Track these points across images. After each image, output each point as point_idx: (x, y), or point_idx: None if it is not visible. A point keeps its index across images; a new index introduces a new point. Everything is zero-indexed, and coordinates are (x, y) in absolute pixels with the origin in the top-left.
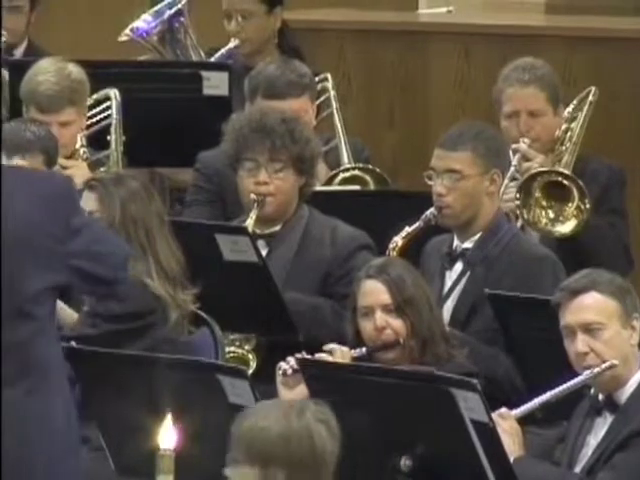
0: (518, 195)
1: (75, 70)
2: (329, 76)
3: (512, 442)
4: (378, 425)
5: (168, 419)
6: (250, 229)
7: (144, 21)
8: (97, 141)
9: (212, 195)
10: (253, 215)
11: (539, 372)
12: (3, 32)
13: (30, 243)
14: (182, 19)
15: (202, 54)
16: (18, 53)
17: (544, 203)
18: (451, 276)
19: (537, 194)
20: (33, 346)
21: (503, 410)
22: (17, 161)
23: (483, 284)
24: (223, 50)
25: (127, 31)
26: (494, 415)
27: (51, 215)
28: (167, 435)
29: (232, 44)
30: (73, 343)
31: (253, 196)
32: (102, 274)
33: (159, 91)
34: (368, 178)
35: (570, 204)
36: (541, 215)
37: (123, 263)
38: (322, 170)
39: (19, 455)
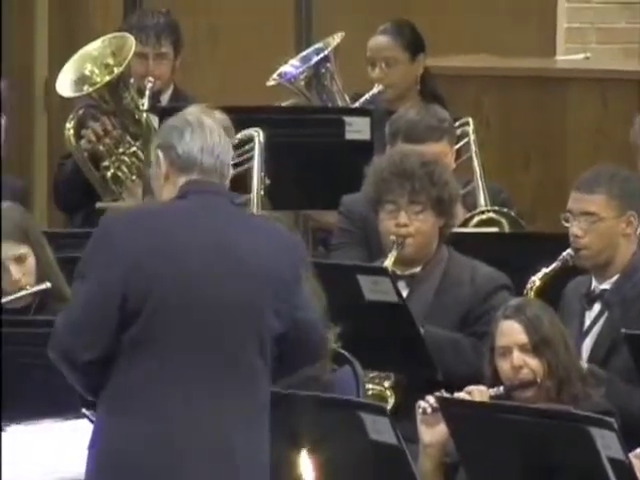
0: None
1: (220, 117)
2: (470, 121)
3: None
4: (516, 462)
5: (309, 456)
6: (389, 269)
7: (292, 66)
8: (238, 183)
9: (356, 237)
10: (392, 256)
11: None
12: (150, 79)
13: (272, 288)
14: (329, 65)
15: (347, 99)
16: (164, 99)
17: None
18: (590, 316)
19: None
20: (265, 385)
21: (639, 451)
22: None
23: (620, 325)
24: (367, 95)
25: (275, 76)
26: (630, 455)
27: (288, 264)
28: (308, 472)
29: (376, 90)
30: None
31: (393, 237)
32: (313, 337)
33: (303, 136)
34: (503, 221)
35: None
36: None
37: (323, 327)
38: (460, 212)
39: None
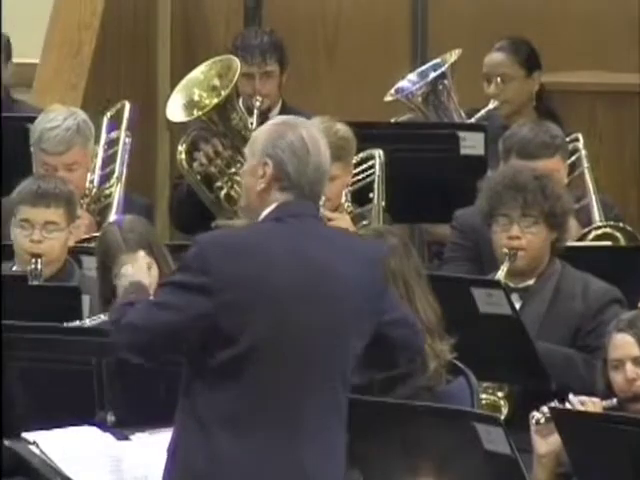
0: None
1: (342, 129)
2: (580, 136)
3: None
4: (628, 473)
5: (424, 463)
6: (502, 280)
7: (409, 81)
8: (360, 196)
9: (468, 251)
10: (504, 268)
11: None
12: (258, 98)
13: (357, 308)
14: (445, 82)
15: (463, 115)
16: (273, 116)
17: None
18: None
19: None
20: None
21: None
22: None
23: None
24: (483, 111)
25: (392, 91)
26: None
27: (372, 279)
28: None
29: (491, 105)
30: None
31: (505, 250)
32: (405, 337)
33: (419, 151)
34: (619, 235)
35: None
36: None
37: (413, 321)
38: (573, 227)
39: None
